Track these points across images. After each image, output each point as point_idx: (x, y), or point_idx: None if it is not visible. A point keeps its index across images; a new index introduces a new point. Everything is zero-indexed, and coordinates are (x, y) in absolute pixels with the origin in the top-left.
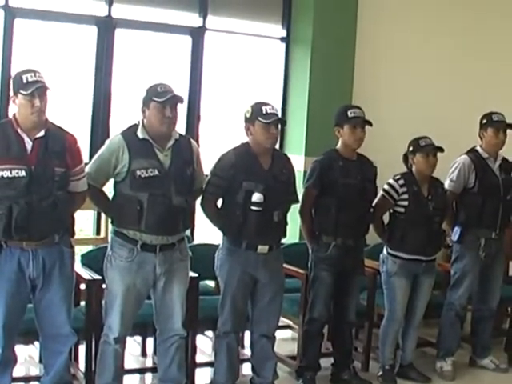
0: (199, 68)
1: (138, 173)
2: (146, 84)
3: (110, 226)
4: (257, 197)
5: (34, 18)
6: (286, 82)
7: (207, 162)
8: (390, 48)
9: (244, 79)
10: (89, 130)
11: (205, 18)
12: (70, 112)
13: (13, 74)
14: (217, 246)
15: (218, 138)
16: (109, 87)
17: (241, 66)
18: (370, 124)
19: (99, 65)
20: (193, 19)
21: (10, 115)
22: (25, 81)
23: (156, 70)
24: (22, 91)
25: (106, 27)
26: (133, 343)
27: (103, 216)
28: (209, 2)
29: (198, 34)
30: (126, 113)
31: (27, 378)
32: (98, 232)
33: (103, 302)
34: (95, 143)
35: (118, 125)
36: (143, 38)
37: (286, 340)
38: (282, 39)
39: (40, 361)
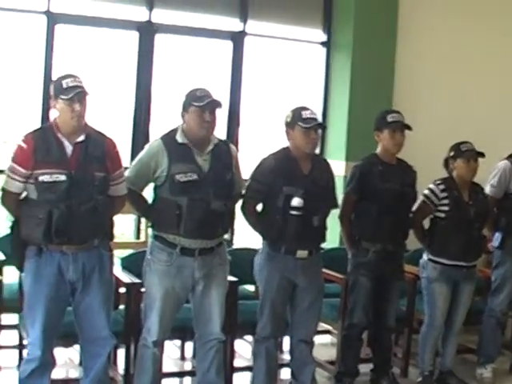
0: (239, 73)
1: (177, 177)
2: (187, 89)
3: (149, 229)
4: (297, 201)
5: (75, 23)
6: (327, 87)
7: (247, 167)
8: (432, 52)
9: (284, 84)
10: (130, 134)
11: (245, 22)
12: (111, 117)
13: (54, 79)
14: (256, 251)
15: (258, 143)
16: (149, 92)
17: (281, 70)
18: (410, 128)
19: (140, 70)
20: (233, 24)
21: (51, 120)
22: (65, 86)
23: (196, 75)
24: (62, 96)
25: (147, 32)
26: (172, 347)
27: (143, 220)
28: (249, 6)
29: (238, 39)
30: (166, 117)
31: (66, 381)
32: (138, 236)
33: (142, 305)
34: (136, 148)
35: (158, 129)
36: (184, 43)
37: (325, 345)
38: (323, 44)
39: (80, 363)
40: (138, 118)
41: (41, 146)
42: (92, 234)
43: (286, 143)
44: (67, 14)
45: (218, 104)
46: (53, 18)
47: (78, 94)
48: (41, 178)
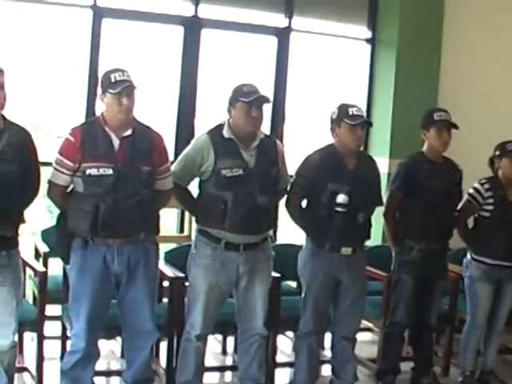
0: (284, 68)
1: (223, 172)
2: (232, 84)
3: (193, 224)
4: (342, 198)
5: (121, 17)
6: (371, 84)
7: (292, 163)
8: (478, 50)
9: (329, 80)
10: (174, 129)
11: (291, 18)
12: (156, 111)
13: (100, 73)
14: (299, 247)
15: (303, 139)
16: (194, 87)
17: (326, 66)
18: (456, 127)
19: (185, 64)
20: (279, 20)
21: (98, 114)
22: (113, 80)
23: (241, 70)
24: (110, 90)
25: (193, 27)
26: (213, 341)
27: (187, 214)
28: (295, 2)
29: (283, 35)
30: (210, 112)
31: (109, 373)
32: (181, 230)
33: (186, 299)
34: (180, 142)
35: (203, 124)
36: (229, 38)
37: (366, 342)
38: (368, 41)
39: (122, 356)
40: (182, 112)
41: (88, 140)
42: (138, 228)
43: (330, 139)
44: (113, 8)
45: (265, 100)
46: (99, 13)
47: (126, 89)
48: (88, 172)
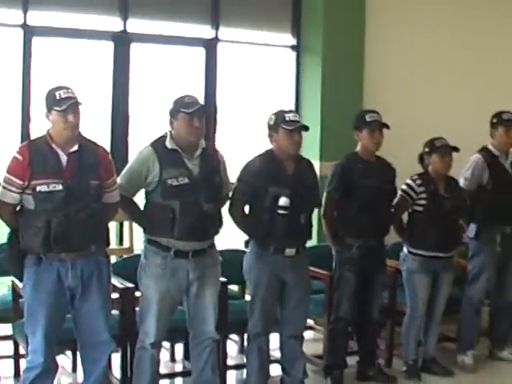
0: (213, 78)
1: (169, 181)
2: (163, 96)
3: (134, 235)
4: (283, 201)
5: (51, 35)
6: (299, 89)
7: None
8: (400, 51)
9: (258, 88)
10: (108, 143)
11: (217, 29)
12: (88, 127)
13: (33, 91)
14: (242, 252)
15: (235, 146)
16: (126, 101)
17: (254, 74)
18: (388, 127)
19: (116, 79)
20: (206, 31)
21: (33, 131)
22: (58, 97)
23: (172, 82)
24: (55, 107)
25: (122, 42)
26: (162, 349)
27: (125, 226)
28: (221, 13)
29: (211, 46)
30: (144, 125)
31: None
32: (120, 242)
33: (137, 309)
34: (115, 157)
35: (137, 138)
36: (158, 52)
37: (309, 340)
38: (293, 47)
39: (73, 370)
40: (116, 127)
41: (36, 157)
42: (89, 241)
43: (263, 145)
44: (43, 26)
45: (205, 110)
46: (29, 31)
47: (71, 106)
48: (38, 189)
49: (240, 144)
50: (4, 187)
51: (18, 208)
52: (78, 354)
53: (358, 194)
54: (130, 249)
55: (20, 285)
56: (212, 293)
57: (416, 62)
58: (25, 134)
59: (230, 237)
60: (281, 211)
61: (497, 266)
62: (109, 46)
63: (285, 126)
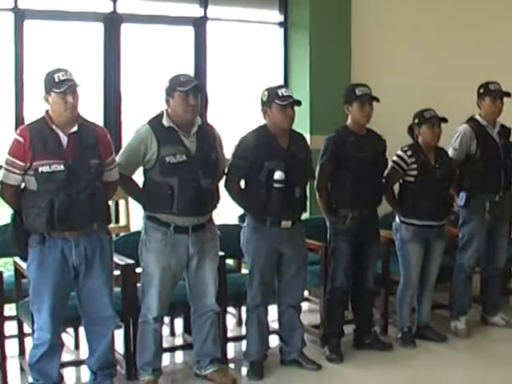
0: (203, 56)
1: (167, 159)
2: (154, 76)
3: (130, 213)
4: (278, 174)
5: (42, 18)
6: (287, 65)
7: None
8: (386, 24)
9: (247, 64)
10: (101, 123)
11: (206, 8)
12: (82, 108)
13: (25, 74)
14: (237, 226)
15: (225, 123)
16: (118, 81)
17: (243, 51)
18: (378, 100)
19: (108, 60)
20: (194, 10)
21: (30, 114)
22: (57, 80)
23: (162, 61)
24: (54, 89)
25: (112, 23)
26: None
27: (121, 205)
28: None
29: (200, 24)
30: (136, 104)
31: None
32: (117, 221)
33: (139, 284)
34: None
35: (129, 117)
36: (148, 31)
37: (304, 312)
38: (280, 24)
39: (75, 347)
40: (107, 108)
41: (37, 139)
42: (91, 219)
43: (251, 121)
44: (34, 9)
45: (200, 88)
46: (20, 15)
47: (70, 87)
48: (40, 169)
49: (231, 120)
50: (6, 169)
51: (20, 189)
52: (82, 330)
53: (351, 166)
54: (127, 227)
55: (23, 265)
56: (211, 266)
57: (403, 35)
58: (19, 117)
59: (218, 215)
60: (276, 185)
61: (486, 234)
62: (99, 27)
63: (278, 101)
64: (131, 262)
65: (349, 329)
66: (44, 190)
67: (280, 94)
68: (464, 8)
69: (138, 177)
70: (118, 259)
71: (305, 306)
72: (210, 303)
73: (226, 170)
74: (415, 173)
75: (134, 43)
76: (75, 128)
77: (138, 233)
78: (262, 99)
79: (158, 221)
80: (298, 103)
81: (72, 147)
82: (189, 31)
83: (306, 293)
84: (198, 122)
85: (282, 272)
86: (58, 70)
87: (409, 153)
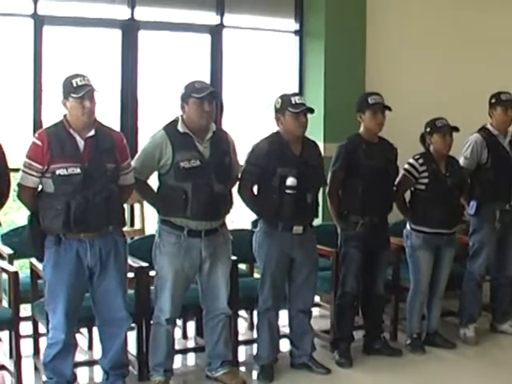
0: (219, 64)
1: (182, 164)
2: (170, 82)
3: (145, 217)
4: (291, 181)
5: (61, 24)
6: (302, 73)
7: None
8: (400, 35)
9: (263, 72)
10: (118, 128)
11: (222, 15)
12: (99, 113)
13: (44, 79)
14: (250, 231)
15: (241, 130)
16: (135, 87)
17: (259, 59)
18: (390, 109)
19: (125, 66)
20: (211, 18)
21: (48, 119)
22: (75, 85)
23: (179, 68)
24: (72, 95)
25: (130, 29)
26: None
27: (136, 209)
28: (226, 0)
29: (216, 32)
30: (152, 111)
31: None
32: (132, 224)
33: (152, 287)
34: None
35: (146, 122)
36: (165, 38)
37: (315, 317)
38: (296, 32)
39: (89, 348)
40: (125, 113)
41: (55, 142)
42: (107, 222)
43: (268, 127)
44: (53, 15)
45: (216, 94)
46: (39, 21)
47: (87, 93)
48: (57, 172)
49: (246, 127)
50: (24, 171)
51: (38, 191)
52: (96, 331)
53: (362, 174)
54: (142, 230)
55: (39, 266)
56: (224, 270)
57: (417, 45)
58: (37, 121)
59: (232, 221)
60: (288, 191)
61: (497, 242)
62: (117, 34)
63: (291, 108)
64: (145, 264)
65: (359, 334)
66: (61, 193)
67: (293, 101)
68: (478, 19)
69: (154, 181)
70: (132, 262)
71: (316, 311)
72: (222, 306)
73: (240, 176)
74: (426, 181)
75: (152, 50)
76: (92, 132)
77: (153, 236)
78: (275, 106)
79: (172, 224)
80: (311, 111)
81: (89, 151)
82: (205, 38)
83: (317, 298)
84: (212, 128)
85: (293, 277)
86: (76, 76)
87: (420, 161)
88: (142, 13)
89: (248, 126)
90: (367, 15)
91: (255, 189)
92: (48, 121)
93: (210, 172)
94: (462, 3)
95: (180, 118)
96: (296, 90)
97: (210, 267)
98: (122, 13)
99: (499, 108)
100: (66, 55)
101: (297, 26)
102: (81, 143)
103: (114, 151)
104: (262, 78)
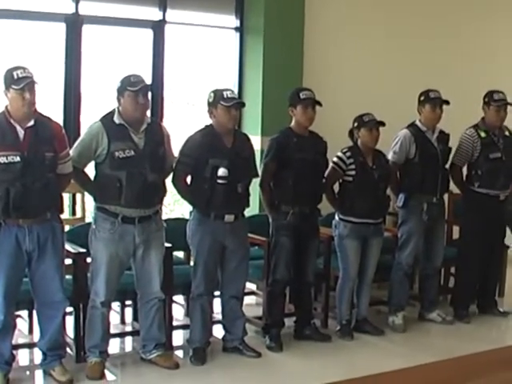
0: (161, 59)
1: (117, 154)
2: (113, 76)
3: (86, 206)
4: (222, 171)
5: (4, 17)
6: (242, 70)
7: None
8: (338, 33)
9: (203, 67)
10: (61, 119)
11: (164, 11)
12: (42, 107)
13: (4, 70)
14: (184, 220)
15: (182, 122)
16: (78, 79)
17: (199, 55)
18: (320, 104)
19: (68, 60)
20: (154, 13)
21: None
22: (15, 77)
23: (122, 62)
24: (13, 86)
25: (74, 24)
26: (112, 312)
27: (78, 198)
28: None
29: (158, 27)
30: (95, 104)
31: (16, 346)
32: (73, 213)
33: (88, 272)
34: (68, 132)
35: (88, 114)
36: (109, 33)
37: (251, 305)
38: (236, 29)
39: (29, 332)
40: (67, 107)
41: None
42: (45, 208)
43: (204, 121)
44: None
45: (149, 88)
46: None
47: (28, 84)
48: None
49: (187, 120)
50: None
51: None
52: (35, 314)
53: (293, 166)
54: (83, 218)
55: None
56: (157, 255)
57: (354, 43)
58: None
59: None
60: (220, 181)
61: (425, 234)
62: (61, 28)
63: (223, 102)
64: (83, 250)
65: (290, 321)
66: (1, 180)
67: (225, 95)
68: (407, 21)
69: (90, 170)
70: (70, 248)
71: (252, 299)
72: (156, 290)
73: (174, 167)
74: (353, 173)
75: (95, 44)
76: (32, 122)
77: (90, 224)
78: (208, 100)
79: (106, 211)
80: (242, 105)
81: (28, 140)
82: (148, 34)
83: (253, 287)
84: (147, 119)
85: (225, 264)
86: (17, 68)
87: (348, 154)
88: (87, 7)
89: (188, 119)
90: (305, 13)
91: (188, 179)
92: None
93: (143, 162)
94: (397, 10)
95: (116, 109)
96: (236, 86)
97: (144, 253)
98: (67, 7)
99: (428, 105)
100: (11, 48)
101: (237, 23)
102: (21, 133)
103: (53, 141)
104: (204, 72)
